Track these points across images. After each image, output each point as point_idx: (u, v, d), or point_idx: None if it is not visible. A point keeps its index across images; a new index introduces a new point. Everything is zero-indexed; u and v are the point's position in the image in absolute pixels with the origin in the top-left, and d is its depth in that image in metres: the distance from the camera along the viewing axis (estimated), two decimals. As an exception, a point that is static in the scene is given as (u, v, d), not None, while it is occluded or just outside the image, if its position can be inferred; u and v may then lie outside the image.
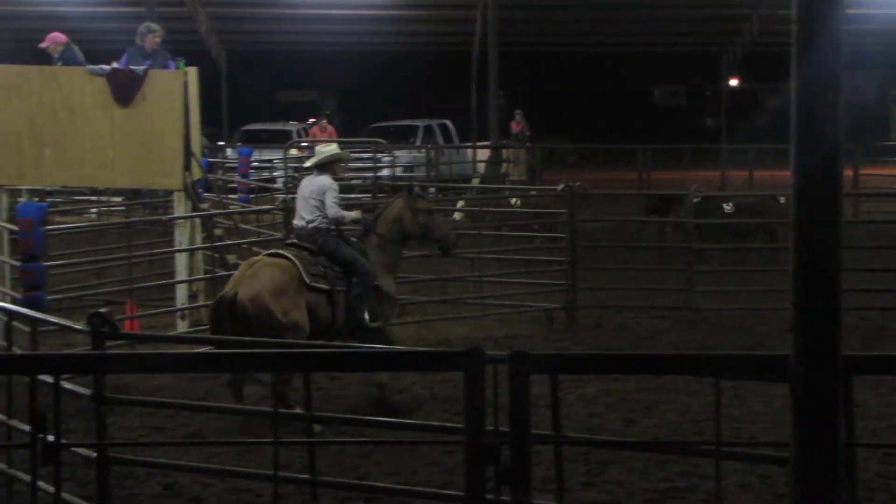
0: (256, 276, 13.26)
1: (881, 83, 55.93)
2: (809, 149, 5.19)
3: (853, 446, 6.07)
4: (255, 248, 18.63)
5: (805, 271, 5.20)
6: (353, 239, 14.29)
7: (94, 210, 25.12)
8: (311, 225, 13.96)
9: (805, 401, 5.23)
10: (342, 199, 14.75)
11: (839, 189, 5.28)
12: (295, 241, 14.09)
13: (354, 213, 14.56)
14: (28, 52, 21.77)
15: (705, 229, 20.87)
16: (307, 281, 13.32)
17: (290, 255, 13.57)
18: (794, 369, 5.23)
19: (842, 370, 5.26)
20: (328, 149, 15.16)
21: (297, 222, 14.29)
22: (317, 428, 10.96)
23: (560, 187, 20.58)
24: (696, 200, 21.62)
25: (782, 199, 24.00)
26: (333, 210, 13.94)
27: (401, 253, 14.87)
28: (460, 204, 26.09)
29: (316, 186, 14.12)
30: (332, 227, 13.97)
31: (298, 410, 10.59)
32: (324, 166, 14.38)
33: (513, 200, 25.76)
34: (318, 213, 13.89)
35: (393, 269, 14.56)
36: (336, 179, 14.56)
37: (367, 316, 13.75)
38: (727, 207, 24.34)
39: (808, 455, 5.22)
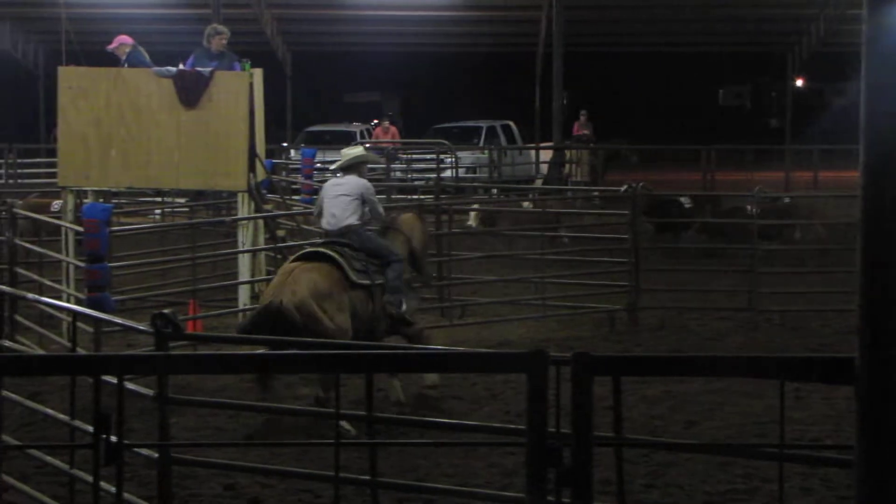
0: (298, 282, 13.11)
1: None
2: (878, 149, 5.12)
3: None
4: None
5: (872, 271, 5.13)
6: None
7: (158, 211, 25.26)
8: (344, 223, 13.99)
9: (870, 402, 5.17)
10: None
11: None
12: (330, 240, 14.07)
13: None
14: (96, 54, 21.87)
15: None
16: (353, 279, 13.39)
17: (332, 254, 13.58)
18: (859, 370, 5.17)
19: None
20: (354, 151, 15.29)
21: (329, 221, 14.19)
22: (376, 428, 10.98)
23: (623, 188, 20.53)
24: (688, 205, 21.73)
25: (787, 200, 23.98)
26: (382, 210, 14.63)
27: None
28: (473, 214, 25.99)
29: (350, 186, 14.22)
30: (364, 224, 14.17)
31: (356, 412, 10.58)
32: (349, 168, 14.52)
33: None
34: (353, 211, 14.02)
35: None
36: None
37: (404, 307, 13.87)
38: (686, 203, 24.29)
39: (873, 457, 5.16)
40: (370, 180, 15.23)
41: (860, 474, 5.18)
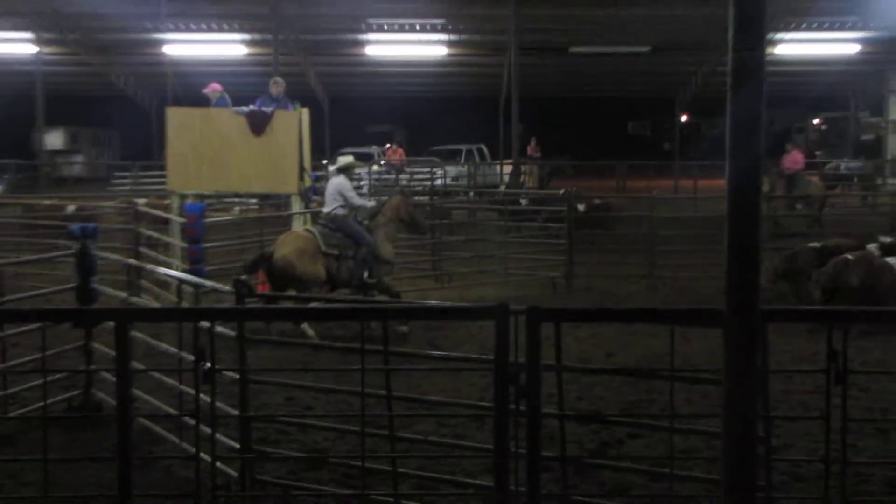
0: (286, 243, 14.36)
1: (790, 117, 55.67)
2: (738, 163, 5.17)
3: (766, 372, 6.06)
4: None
5: (733, 248, 5.18)
6: (365, 222, 14.90)
7: (237, 208, 25.20)
8: (332, 211, 14.69)
9: (734, 341, 5.22)
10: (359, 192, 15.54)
11: (759, 191, 5.27)
12: (321, 221, 14.90)
13: (371, 203, 15.67)
14: (192, 97, 21.89)
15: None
16: (322, 248, 14.23)
17: (313, 230, 14.65)
18: (727, 319, 5.22)
19: (759, 319, 5.25)
20: (344, 159, 15.67)
21: (324, 209, 14.99)
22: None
23: (562, 191, 20.57)
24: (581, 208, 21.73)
25: (596, 201, 24.00)
26: (357, 200, 15.06)
27: (396, 230, 15.21)
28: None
29: (334, 184, 14.88)
30: (348, 211, 14.69)
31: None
32: (341, 170, 15.09)
33: (523, 201, 25.68)
34: (338, 202, 14.66)
35: (391, 240, 14.98)
36: (351, 179, 15.33)
37: (365, 274, 14.40)
38: (523, 202, 24.51)
39: (735, 378, 5.22)
40: (378, 183, 15.54)
41: (727, 389, 5.24)
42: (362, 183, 34.51)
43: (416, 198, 15.99)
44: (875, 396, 10.57)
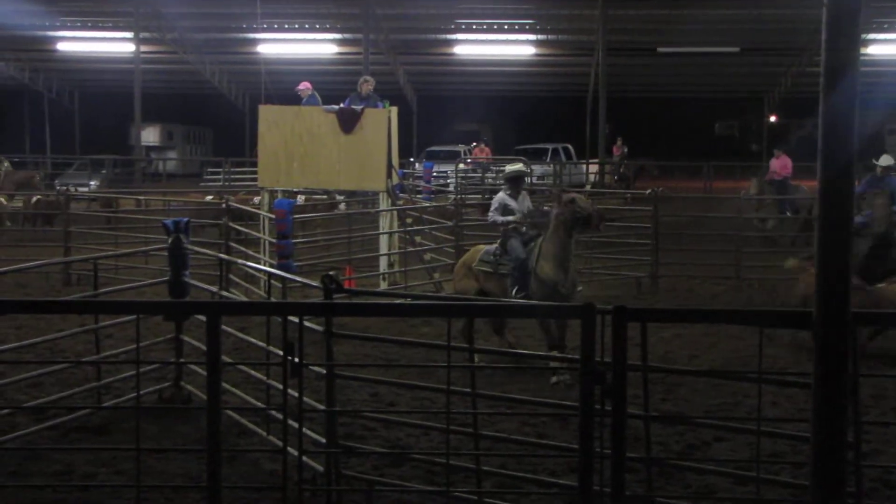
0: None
1: (882, 119, 54.52)
2: (829, 164, 5.06)
3: (857, 377, 5.91)
4: (434, 233, 18.74)
5: (825, 251, 5.07)
6: (531, 232, 12.61)
7: (342, 204, 25.35)
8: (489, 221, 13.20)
9: (823, 344, 5.11)
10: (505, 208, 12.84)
11: (851, 191, 5.15)
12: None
13: (508, 218, 12.75)
14: (284, 95, 22.11)
15: None
16: (472, 266, 12.79)
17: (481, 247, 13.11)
18: (815, 320, 5.12)
19: (850, 323, 5.13)
20: (511, 167, 13.89)
21: None
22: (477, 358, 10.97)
23: (648, 192, 20.35)
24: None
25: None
26: (490, 216, 12.97)
27: (563, 242, 12.00)
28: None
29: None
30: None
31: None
32: (507, 180, 13.43)
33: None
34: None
35: (552, 255, 11.99)
36: (512, 192, 13.06)
37: (514, 291, 12.20)
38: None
39: (825, 382, 5.11)
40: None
41: (816, 393, 5.13)
42: (448, 181, 34.55)
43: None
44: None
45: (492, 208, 13.11)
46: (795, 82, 45.27)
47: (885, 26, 39.92)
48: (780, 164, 26.37)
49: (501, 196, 13.11)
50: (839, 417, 5.12)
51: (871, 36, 39.61)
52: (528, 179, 19.88)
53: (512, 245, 12.43)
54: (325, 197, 22.76)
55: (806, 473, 5.08)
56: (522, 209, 12.86)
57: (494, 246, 12.80)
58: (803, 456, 5.06)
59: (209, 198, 19.78)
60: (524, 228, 12.68)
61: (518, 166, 13.94)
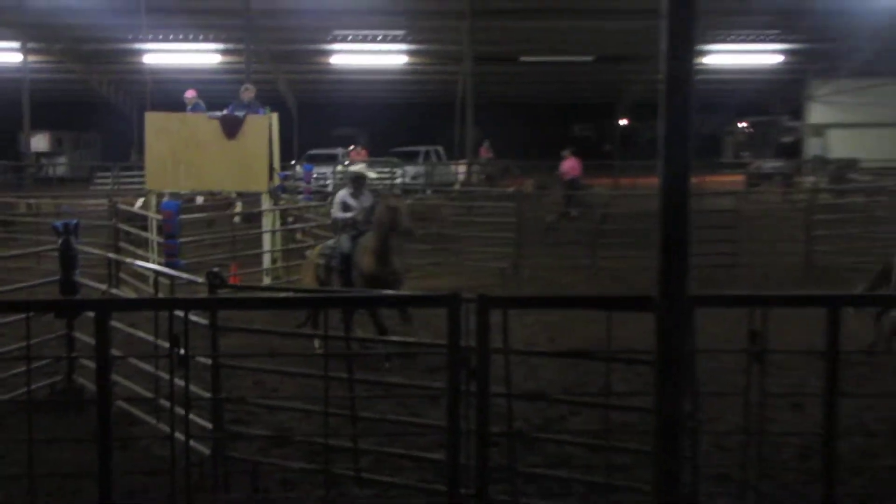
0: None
1: (718, 121, 56.10)
2: (670, 163, 5.20)
3: (694, 353, 6.11)
4: (314, 231, 18.66)
5: (666, 241, 5.21)
6: (364, 228, 12.62)
7: (238, 203, 24.96)
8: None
9: (664, 324, 5.26)
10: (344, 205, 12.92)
11: (688, 188, 5.30)
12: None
13: (345, 214, 12.78)
14: (169, 102, 21.72)
15: None
16: (313, 258, 13.01)
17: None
18: (658, 305, 5.26)
19: (688, 304, 5.28)
20: (354, 168, 14.09)
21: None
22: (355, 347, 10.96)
23: (511, 189, 20.59)
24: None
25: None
26: (332, 213, 13.35)
27: (380, 240, 12.18)
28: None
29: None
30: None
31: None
32: (351, 180, 13.57)
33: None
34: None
35: (372, 249, 12.20)
36: (354, 191, 13.06)
37: (340, 281, 12.34)
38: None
39: (666, 359, 5.25)
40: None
41: (658, 369, 5.28)
42: (327, 181, 34.36)
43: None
44: (790, 374, 10.67)
45: (333, 206, 13.24)
46: (644, 88, 46.25)
47: (721, 38, 41.10)
48: (569, 166, 26.56)
49: (343, 194, 13.18)
50: (678, 389, 5.28)
51: (709, 47, 40.74)
52: (405, 178, 19.97)
53: (340, 240, 12.64)
54: (228, 195, 22.45)
55: (650, 441, 5.23)
56: (362, 207, 12.88)
57: (332, 241, 13.00)
58: (649, 425, 5.21)
59: (139, 202, 19.10)
60: (359, 223, 12.74)
61: (359, 167, 13.89)
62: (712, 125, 55.44)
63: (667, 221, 5.23)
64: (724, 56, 43.35)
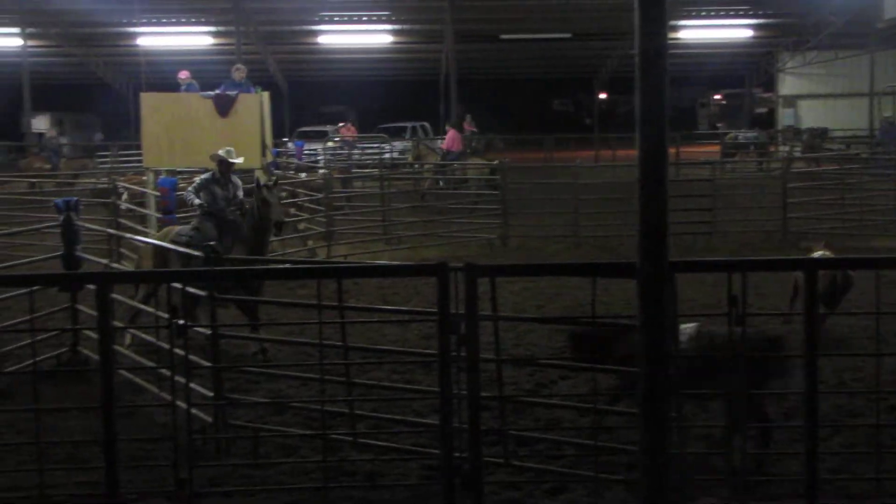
0: None
1: (693, 94, 56.04)
2: (647, 135, 5.18)
3: (675, 316, 6.10)
4: (306, 204, 18.55)
5: (645, 210, 5.19)
6: (229, 218, 11.76)
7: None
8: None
9: (645, 290, 5.25)
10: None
11: (665, 159, 5.27)
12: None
13: (197, 200, 11.67)
14: (164, 83, 21.59)
15: None
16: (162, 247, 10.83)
17: None
18: (640, 270, 5.25)
19: (667, 270, 5.27)
20: (221, 151, 12.11)
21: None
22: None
23: (496, 162, 20.53)
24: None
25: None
26: (185, 193, 12.09)
27: (254, 230, 11.42)
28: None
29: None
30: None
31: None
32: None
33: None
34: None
35: (246, 241, 11.40)
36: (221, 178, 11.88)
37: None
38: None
39: (649, 320, 5.25)
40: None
41: (642, 330, 5.27)
42: (319, 158, 34.18)
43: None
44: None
45: (191, 186, 12.00)
46: (620, 63, 46.06)
47: (693, 13, 41.04)
48: (450, 139, 27.11)
49: (207, 178, 11.91)
50: (661, 351, 5.28)
51: (682, 22, 40.67)
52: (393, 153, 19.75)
53: (205, 226, 11.56)
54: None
55: (636, 402, 5.23)
56: (227, 195, 11.77)
57: (188, 226, 11.84)
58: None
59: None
60: (224, 211, 11.70)
61: (225, 150, 12.12)
62: (687, 98, 55.36)
63: (646, 190, 5.21)
64: (696, 31, 43.28)
